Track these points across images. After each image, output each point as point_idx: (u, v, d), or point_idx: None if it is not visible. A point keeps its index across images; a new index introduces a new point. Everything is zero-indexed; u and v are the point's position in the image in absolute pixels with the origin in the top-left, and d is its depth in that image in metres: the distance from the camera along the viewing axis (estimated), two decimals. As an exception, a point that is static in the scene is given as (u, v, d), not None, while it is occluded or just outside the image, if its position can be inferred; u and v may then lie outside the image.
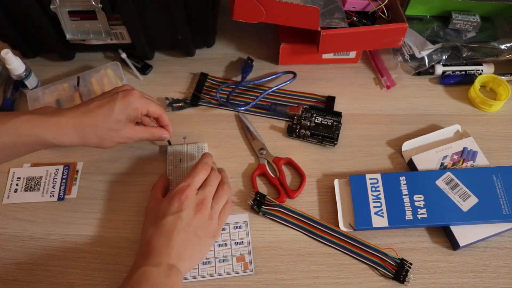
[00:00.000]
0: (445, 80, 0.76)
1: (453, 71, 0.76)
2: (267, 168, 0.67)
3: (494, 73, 0.76)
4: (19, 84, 0.73)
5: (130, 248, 0.61)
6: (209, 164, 0.59)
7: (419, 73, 0.77)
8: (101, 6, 0.66)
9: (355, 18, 0.72)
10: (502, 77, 0.74)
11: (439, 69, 0.76)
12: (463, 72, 0.76)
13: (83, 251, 0.60)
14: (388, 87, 0.76)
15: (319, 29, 0.67)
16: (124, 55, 0.78)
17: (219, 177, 0.60)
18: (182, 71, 0.79)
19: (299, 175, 0.66)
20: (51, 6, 0.66)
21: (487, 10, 0.74)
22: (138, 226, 0.62)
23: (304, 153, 0.68)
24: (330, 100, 0.74)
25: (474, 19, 0.73)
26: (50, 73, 0.79)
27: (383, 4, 0.70)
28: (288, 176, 0.66)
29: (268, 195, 0.64)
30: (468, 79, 0.75)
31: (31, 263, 0.60)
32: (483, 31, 0.75)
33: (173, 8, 0.68)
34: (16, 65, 0.70)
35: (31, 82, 0.73)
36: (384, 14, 0.72)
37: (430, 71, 0.76)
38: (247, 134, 0.70)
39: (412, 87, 0.76)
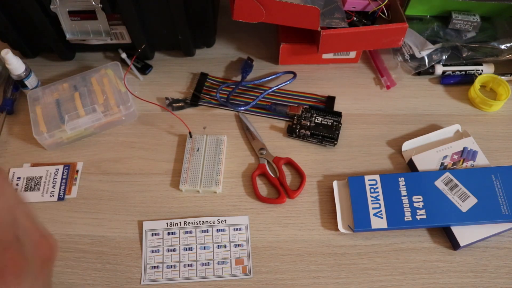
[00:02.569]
0: (445, 80, 0.76)
1: (453, 71, 0.76)
2: (267, 168, 0.67)
3: (494, 73, 0.76)
4: (19, 84, 0.73)
5: (131, 248, 0.61)
6: None
7: (419, 73, 0.77)
8: (101, 6, 0.66)
9: (355, 18, 0.72)
10: (502, 77, 0.74)
11: (439, 69, 0.76)
12: (463, 72, 0.76)
13: (83, 251, 0.61)
14: (388, 87, 0.76)
15: (319, 29, 0.67)
16: (124, 55, 0.78)
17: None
18: (182, 71, 0.79)
19: (299, 175, 0.66)
20: (51, 6, 0.66)
21: (487, 10, 0.74)
22: (138, 226, 0.62)
23: (304, 153, 0.68)
24: (330, 100, 0.74)
25: (474, 19, 0.73)
26: (50, 73, 0.79)
27: (383, 4, 0.70)
28: (288, 176, 0.66)
29: (268, 195, 0.65)
30: (468, 79, 0.75)
31: (31, 263, 0.60)
32: (483, 31, 0.75)
33: (173, 8, 0.68)
34: (16, 65, 0.70)
35: (31, 82, 0.73)
36: (384, 14, 0.72)
37: (430, 71, 0.76)
38: (247, 134, 0.70)
39: (412, 87, 0.76)
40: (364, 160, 0.68)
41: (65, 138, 0.69)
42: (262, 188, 0.66)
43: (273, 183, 0.65)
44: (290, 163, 0.67)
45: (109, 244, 0.61)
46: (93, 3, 0.65)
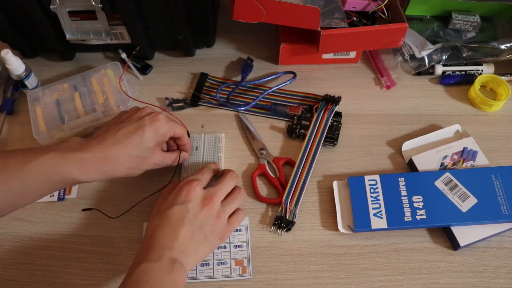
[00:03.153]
0: (445, 80, 0.76)
1: (453, 71, 0.76)
2: (267, 168, 0.67)
3: (494, 73, 0.76)
4: (19, 84, 0.73)
5: (131, 248, 0.61)
6: (218, 166, 0.62)
7: (419, 73, 0.77)
8: (101, 6, 0.66)
9: (355, 18, 0.72)
10: (502, 77, 0.74)
11: (439, 69, 0.76)
12: (463, 72, 0.76)
13: (83, 251, 0.61)
14: (388, 87, 0.76)
15: (319, 29, 0.67)
16: (124, 55, 0.78)
17: (235, 180, 0.59)
18: (182, 71, 0.79)
19: None
20: (51, 6, 0.66)
21: (487, 10, 0.74)
22: (139, 225, 0.62)
23: (304, 153, 0.69)
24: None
25: (474, 19, 0.73)
26: (50, 73, 0.79)
27: (383, 4, 0.70)
28: (288, 176, 0.66)
29: (268, 195, 0.65)
30: (468, 79, 0.75)
31: (31, 263, 0.60)
32: (483, 31, 0.75)
33: (173, 8, 0.68)
34: (16, 65, 0.70)
35: (31, 82, 0.73)
36: (384, 14, 0.72)
37: (430, 71, 0.76)
38: (247, 134, 0.70)
39: (412, 87, 0.76)
40: (364, 160, 0.68)
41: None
42: (262, 188, 0.66)
43: (273, 183, 0.65)
44: (290, 163, 0.67)
45: (109, 244, 0.61)
46: (93, 3, 0.65)
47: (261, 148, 0.69)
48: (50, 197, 0.65)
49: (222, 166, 0.66)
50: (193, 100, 0.74)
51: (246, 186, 0.66)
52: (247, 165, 0.68)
